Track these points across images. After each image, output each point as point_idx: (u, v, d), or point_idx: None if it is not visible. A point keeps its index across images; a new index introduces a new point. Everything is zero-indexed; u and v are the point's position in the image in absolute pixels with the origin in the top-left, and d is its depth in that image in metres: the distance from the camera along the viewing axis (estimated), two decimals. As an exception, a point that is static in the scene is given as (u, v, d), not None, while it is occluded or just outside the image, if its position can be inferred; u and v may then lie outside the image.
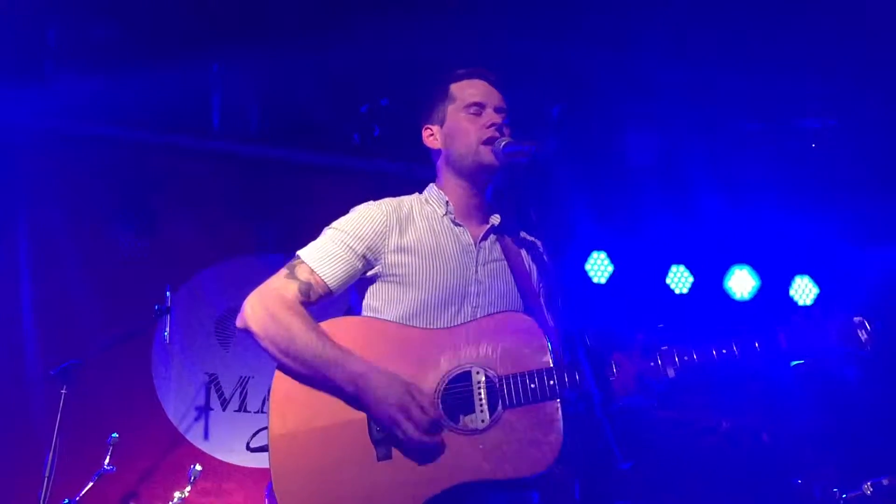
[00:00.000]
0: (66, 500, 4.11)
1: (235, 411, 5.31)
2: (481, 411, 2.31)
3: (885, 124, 5.56)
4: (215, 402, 5.30)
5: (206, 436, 5.18)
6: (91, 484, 4.22)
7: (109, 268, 5.23)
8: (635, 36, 4.96)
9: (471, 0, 4.74)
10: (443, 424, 2.31)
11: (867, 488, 3.82)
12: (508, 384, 2.32)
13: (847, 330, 2.32)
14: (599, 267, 6.18)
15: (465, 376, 2.36)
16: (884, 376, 5.31)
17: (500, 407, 2.31)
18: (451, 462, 2.27)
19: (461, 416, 2.32)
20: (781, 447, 5.16)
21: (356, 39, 4.88)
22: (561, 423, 2.28)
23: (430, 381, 2.36)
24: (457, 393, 2.34)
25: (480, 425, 2.30)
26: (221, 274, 5.51)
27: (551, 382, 2.31)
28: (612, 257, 6.19)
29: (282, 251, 5.42)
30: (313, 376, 2.37)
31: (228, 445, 5.15)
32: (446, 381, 2.35)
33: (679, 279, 6.30)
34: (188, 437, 5.14)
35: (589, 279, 6.14)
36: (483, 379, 2.34)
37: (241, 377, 5.35)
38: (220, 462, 5.08)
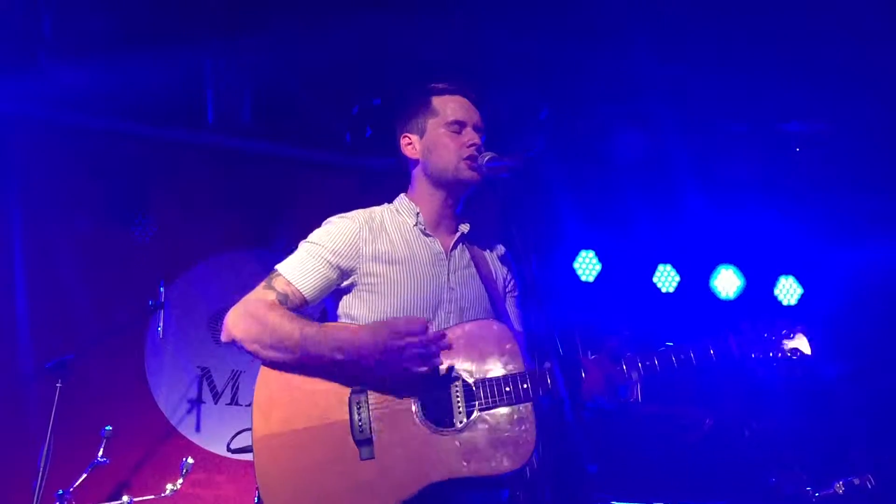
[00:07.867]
0: (61, 491, 4.14)
1: (227, 404, 5.36)
2: (459, 413, 2.42)
3: (870, 126, 5.64)
4: (207, 396, 5.35)
5: (198, 428, 5.24)
6: (85, 475, 4.27)
7: (103, 261, 5.23)
8: (623, 36, 5.01)
9: (461, 1, 4.81)
10: (422, 424, 2.41)
11: (839, 487, 3.92)
12: (484, 387, 2.43)
13: (790, 339, 2.50)
14: (588, 265, 6.26)
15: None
16: (861, 376, 5.40)
17: (476, 409, 2.42)
18: (432, 461, 2.37)
19: (442, 418, 2.42)
20: (761, 443, 5.25)
21: (348, 37, 4.93)
22: (534, 424, 2.39)
23: None
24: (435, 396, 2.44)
25: (458, 426, 2.40)
26: (214, 269, 5.54)
27: (525, 386, 2.42)
28: (601, 256, 6.27)
29: (275, 246, 5.48)
30: (301, 360, 2.46)
31: (220, 438, 5.20)
32: None
33: (666, 278, 6.39)
34: (180, 429, 5.19)
35: (577, 277, 6.23)
36: (460, 382, 2.45)
37: (233, 371, 5.40)
38: (212, 454, 5.12)
